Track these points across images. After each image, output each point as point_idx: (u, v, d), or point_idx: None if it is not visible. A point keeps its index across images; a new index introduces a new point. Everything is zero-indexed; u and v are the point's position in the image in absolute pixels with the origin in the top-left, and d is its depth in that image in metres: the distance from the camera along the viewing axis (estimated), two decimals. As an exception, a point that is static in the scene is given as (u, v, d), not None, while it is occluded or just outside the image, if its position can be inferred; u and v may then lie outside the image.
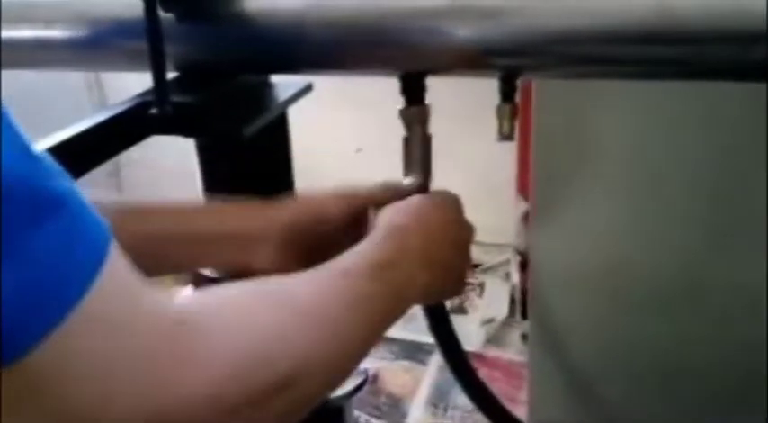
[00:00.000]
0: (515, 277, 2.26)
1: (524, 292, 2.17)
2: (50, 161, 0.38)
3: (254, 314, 0.46)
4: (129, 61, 0.76)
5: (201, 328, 0.42)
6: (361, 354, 0.54)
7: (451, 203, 0.69)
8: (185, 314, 0.42)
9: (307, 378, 0.47)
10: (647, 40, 0.62)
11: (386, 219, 0.64)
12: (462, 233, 0.68)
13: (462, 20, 0.66)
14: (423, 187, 0.74)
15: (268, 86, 0.80)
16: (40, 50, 0.81)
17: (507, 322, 2.30)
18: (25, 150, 0.36)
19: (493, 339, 2.25)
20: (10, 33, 0.81)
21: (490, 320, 2.31)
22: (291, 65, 0.74)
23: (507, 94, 0.70)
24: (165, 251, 0.70)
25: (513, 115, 0.70)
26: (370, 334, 0.55)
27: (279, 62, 0.74)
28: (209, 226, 0.70)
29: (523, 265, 2.15)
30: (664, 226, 1.13)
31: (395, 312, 0.58)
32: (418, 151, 0.74)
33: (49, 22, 0.80)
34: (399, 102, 0.73)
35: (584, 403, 1.28)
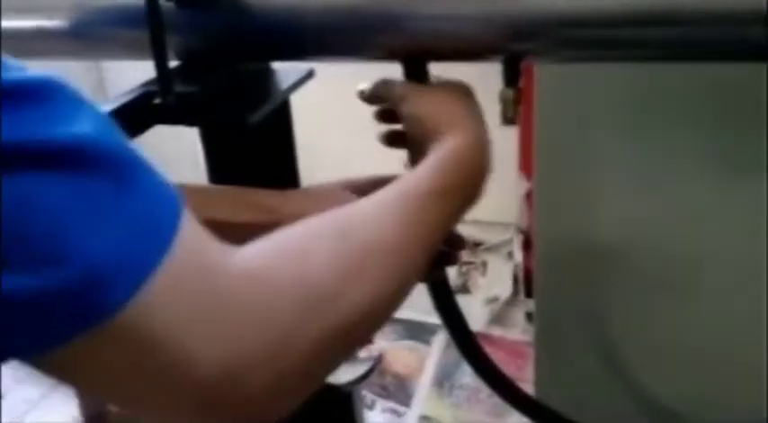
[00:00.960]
0: (518, 256, 2.26)
1: (527, 271, 2.18)
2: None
3: (314, 258, 0.46)
4: (130, 50, 0.76)
5: (265, 280, 0.43)
6: (414, 279, 0.55)
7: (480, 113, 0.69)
8: (249, 269, 0.43)
9: (369, 317, 0.48)
10: (653, 23, 0.62)
11: (449, 139, 0.64)
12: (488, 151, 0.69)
13: (465, 4, 0.66)
14: None
15: (270, 73, 0.79)
16: (41, 40, 0.81)
17: (511, 301, 2.30)
18: (104, 120, 0.39)
19: (496, 319, 2.25)
20: (10, 23, 0.80)
21: (493, 300, 2.31)
22: (294, 51, 0.74)
23: (511, 79, 0.69)
24: None
25: (517, 100, 0.70)
26: (425, 258, 0.56)
27: (281, 49, 0.74)
28: (217, 212, 0.70)
29: (526, 244, 2.16)
30: (669, 205, 1.13)
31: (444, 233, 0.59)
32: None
33: (49, 12, 0.79)
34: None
35: (591, 384, 1.29)
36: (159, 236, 0.38)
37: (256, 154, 0.80)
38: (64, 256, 0.34)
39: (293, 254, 0.46)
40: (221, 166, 0.81)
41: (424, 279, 0.81)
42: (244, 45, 0.74)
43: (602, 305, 1.27)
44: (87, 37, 0.79)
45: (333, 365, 0.48)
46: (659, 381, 1.25)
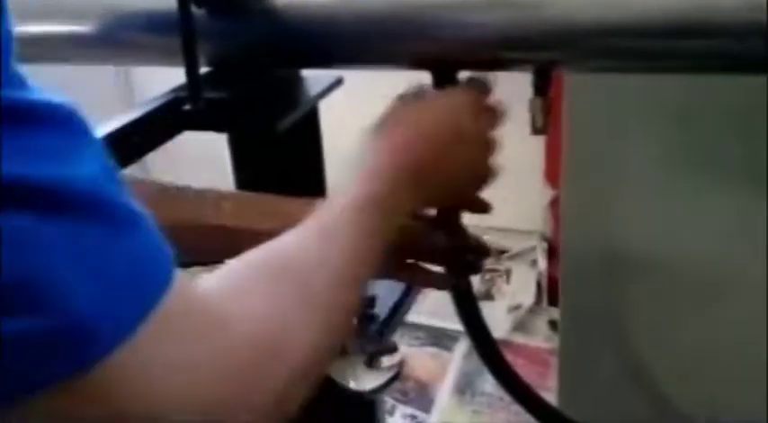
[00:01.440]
0: (542, 264, 2.25)
1: (551, 279, 2.17)
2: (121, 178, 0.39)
3: (260, 298, 0.46)
4: (161, 56, 0.76)
5: (224, 319, 0.42)
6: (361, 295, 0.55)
7: (452, 109, 0.67)
8: (213, 310, 0.42)
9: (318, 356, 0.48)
10: (686, 33, 0.61)
11: (375, 148, 0.62)
12: (469, 136, 0.66)
13: (495, 13, 0.66)
14: None
15: (299, 80, 0.79)
16: (72, 45, 0.82)
17: (534, 309, 2.29)
18: (108, 165, 0.38)
19: (519, 326, 2.24)
20: (42, 28, 0.81)
21: (517, 307, 2.30)
22: (323, 59, 0.74)
23: (540, 88, 0.69)
24: (187, 241, 0.70)
25: (547, 110, 0.69)
26: (368, 272, 0.55)
27: (311, 56, 0.74)
28: (233, 219, 0.70)
29: (550, 252, 2.15)
30: (696, 215, 1.12)
31: (389, 239, 0.58)
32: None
33: (80, 17, 0.80)
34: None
35: (615, 392, 1.28)
36: (146, 293, 0.37)
37: (284, 161, 0.80)
38: (50, 304, 0.33)
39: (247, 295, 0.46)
40: (249, 173, 0.81)
41: (449, 287, 0.80)
42: (274, 52, 0.74)
43: (626, 314, 1.26)
44: (119, 43, 0.79)
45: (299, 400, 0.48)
46: (685, 390, 1.24)
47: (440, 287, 0.80)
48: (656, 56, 0.65)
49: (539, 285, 2.31)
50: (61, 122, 0.36)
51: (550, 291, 2.21)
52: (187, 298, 0.40)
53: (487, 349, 0.90)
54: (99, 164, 0.37)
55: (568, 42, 0.65)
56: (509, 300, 2.35)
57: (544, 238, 2.19)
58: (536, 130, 0.71)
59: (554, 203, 2.01)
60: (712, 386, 1.20)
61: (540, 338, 2.18)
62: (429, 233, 0.74)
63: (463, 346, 2.15)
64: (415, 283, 0.85)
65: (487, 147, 0.68)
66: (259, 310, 0.45)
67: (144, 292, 0.37)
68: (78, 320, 0.34)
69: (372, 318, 0.82)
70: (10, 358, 0.33)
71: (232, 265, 0.49)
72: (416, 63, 0.71)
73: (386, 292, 0.84)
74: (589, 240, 1.23)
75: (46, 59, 0.83)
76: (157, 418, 0.38)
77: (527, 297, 2.33)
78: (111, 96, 2.67)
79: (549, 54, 0.67)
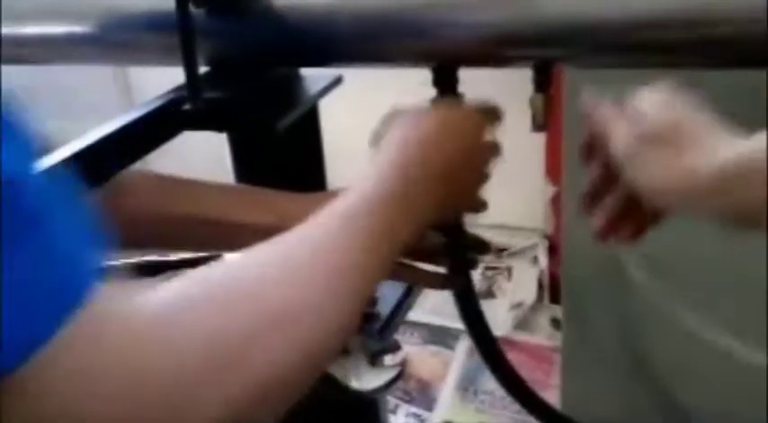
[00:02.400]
0: (543, 261, 2.25)
1: (552, 277, 2.17)
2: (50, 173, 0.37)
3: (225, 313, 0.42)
4: (160, 56, 0.76)
5: (172, 333, 0.39)
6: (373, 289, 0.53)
7: (469, 128, 0.67)
8: (156, 325, 0.39)
9: (322, 334, 0.45)
10: (686, 28, 0.61)
11: (397, 143, 0.61)
12: (478, 159, 0.67)
13: (495, 10, 0.66)
14: None
15: (299, 79, 0.79)
16: (71, 46, 0.82)
17: (535, 307, 2.29)
18: (29, 161, 0.36)
19: (521, 324, 2.24)
20: (42, 29, 0.81)
21: (518, 305, 2.30)
22: (322, 58, 0.74)
23: (540, 84, 0.69)
24: (184, 233, 0.70)
25: (548, 107, 0.69)
26: (380, 271, 0.53)
27: (310, 55, 0.74)
28: (229, 213, 0.70)
29: (551, 250, 2.15)
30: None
31: (402, 239, 0.55)
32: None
33: (79, 18, 0.80)
34: (430, 84, 0.72)
35: (618, 390, 1.28)
36: (60, 307, 0.35)
37: (284, 159, 0.80)
38: None
39: (207, 308, 0.42)
40: (249, 171, 0.81)
41: (449, 287, 0.80)
42: (273, 51, 0.74)
43: (628, 311, 1.26)
44: (117, 43, 0.79)
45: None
46: (686, 386, 1.23)
47: (440, 287, 0.80)
48: (656, 51, 0.65)
49: (540, 283, 2.31)
50: None
51: (552, 288, 2.21)
52: (109, 310, 0.37)
53: (488, 349, 0.90)
54: (20, 154, 0.34)
55: (568, 38, 0.65)
56: (510, 297, 2.35)
57: (545, 236, 2.19)
58: (537, 127, 0.71)
59: (555, 200, 2.01)
60: (714, 382, 1.20)
61: (542, 336, 2.17)
62: (428, 233, 0.73)
63: (465, 344, 2.15)
64: (416, 283, 0.85)
65: (485, 165, 0.68)
66: (208, 322, 0.41)
67: (55, 307, 0.35)
68: None
69: (374, 317, 0.82)
70: None
71: (193, 275, 0.44)
72: (417, 60, 0.71)
73: (387, 290, 0.84)
74: (590, 237, 1.23)
75: (45, 60, 0.83)
76: None
77: (528, 295, 2.33)
78: (111, 97, 2.67)
79: (548, 50, 0.67)
